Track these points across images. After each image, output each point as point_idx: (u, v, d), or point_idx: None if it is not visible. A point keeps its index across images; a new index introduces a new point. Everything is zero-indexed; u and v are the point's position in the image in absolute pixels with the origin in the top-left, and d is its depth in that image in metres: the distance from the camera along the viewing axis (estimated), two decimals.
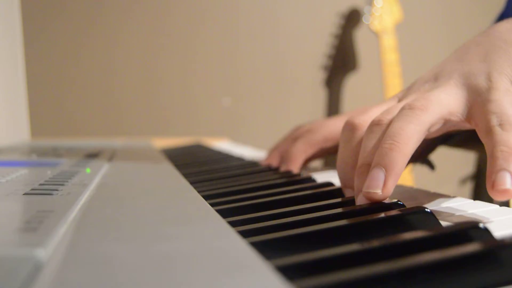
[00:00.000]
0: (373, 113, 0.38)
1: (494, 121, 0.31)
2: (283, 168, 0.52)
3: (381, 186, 0.30)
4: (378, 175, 0.31)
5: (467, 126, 0.35)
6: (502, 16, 0.71)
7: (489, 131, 0.31)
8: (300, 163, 0.51)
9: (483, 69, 0.35)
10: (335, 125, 0.51)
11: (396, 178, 0.31)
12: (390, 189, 0.31)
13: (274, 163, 0.55)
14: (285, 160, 0.52)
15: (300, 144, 0.51)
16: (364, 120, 0.37)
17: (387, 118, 0.35)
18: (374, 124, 0.35)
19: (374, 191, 0.30)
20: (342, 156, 0.38)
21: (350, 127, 0.38)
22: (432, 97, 0.34)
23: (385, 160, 0.31)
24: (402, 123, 0.32)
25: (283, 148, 0.54)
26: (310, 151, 0.51)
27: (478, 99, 0.33)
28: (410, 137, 0.32)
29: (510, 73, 0.34)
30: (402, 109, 0.34)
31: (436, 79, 0.38)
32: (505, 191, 0.28)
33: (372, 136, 0.35)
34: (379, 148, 0.32)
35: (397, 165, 0.31)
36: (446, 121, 0.34)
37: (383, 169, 0.31)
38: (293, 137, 0.55)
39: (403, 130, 0.32)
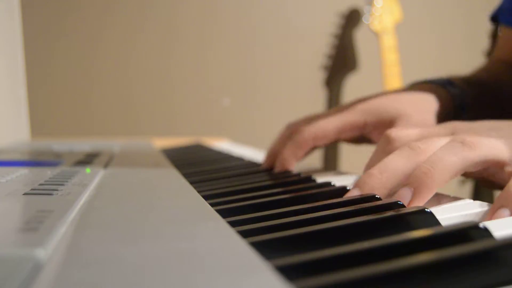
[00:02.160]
0: (413, 132, 0.39)
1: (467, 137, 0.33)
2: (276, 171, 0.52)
3: (406, 205, 0.31)
4: (405, 194, 0.32)
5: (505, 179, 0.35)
6: (499, 11, 0.71)
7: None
8: (291, 166, 0.51)
9: None
10: (326, 122, 0.51)
11: (421, 202, 0.32)
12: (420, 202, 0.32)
13: (270, 168, 0.54)
14: (277, 165, 0.52)
15: (290, 148, 0.51)
16: (401, 136, 0.38)
17: (424, 148, 0.35)
18: (410, 147, 0.36)
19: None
20: (370, 163, 0.40)
21: (386, 139, 0.39)
22: (487, 141, 0.34)
23: (416, 183, 0.32)
24: (446, 154, 0.33)
25: (275, 151, 0.54)
26: (300, 153, 0.51)
27: None
28: (448, 169, 0.32)
29: None
30: (453, 140, 0.34)
31: (500, 128, 0.38)
32: None
33: (400, 154, 0.35)
34: (416, 169, 0.33)
35: (426, 191, 0.32)
36: (490, 167, 0.35)
37: (412, 191, 0.32)
38: (284, 138, 0.54)
39: (443, 161, 0.32)
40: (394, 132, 0.39)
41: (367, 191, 0.34)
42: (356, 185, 0.36)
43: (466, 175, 0.37)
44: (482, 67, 0.71)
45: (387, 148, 0.39)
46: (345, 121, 0.51)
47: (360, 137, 0.53)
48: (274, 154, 0.54)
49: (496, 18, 0.73)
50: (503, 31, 0.73)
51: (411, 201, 0.32)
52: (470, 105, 0.55)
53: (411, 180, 0.32)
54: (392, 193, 0.34)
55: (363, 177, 0.36)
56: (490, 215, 0.30)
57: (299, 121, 0.56)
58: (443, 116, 0.52)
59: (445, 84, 0.55)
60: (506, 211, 0.30)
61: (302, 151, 0.51)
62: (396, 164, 0.35)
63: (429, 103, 0.51)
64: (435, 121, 0.51)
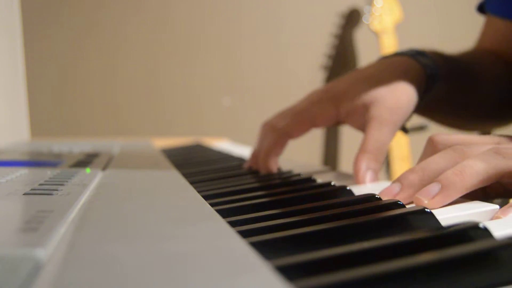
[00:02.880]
0: (458, 137, 0.39)
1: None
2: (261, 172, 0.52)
3: (429, 198, 0.33)
4: (433, 188, 0.33)
5: None
6: (486, 0, 0.71)
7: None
8: (273, 165, 0.52)
9: None
10: (299, 115, 0.52)
11: (446, 199, 0.33)
12: (436, 203, 0.32)
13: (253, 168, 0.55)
14: (260, 168, 0.52)
15: (267, 148, 0.52)
16: (445, 138, 0.39)
17: (467, 151, 0.36)
18: (453, 150, 0.37)
19: (423, 199, 0.33)
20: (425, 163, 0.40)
21: (430, 143, 0.40)
22: None
23: (445, 181, 0.33)
24: (479, 160, 0.34)
25: (256, 154, 0.55)
26: (278, 150, 0.52)
27: None
28: (477, 173, 0.33)
29: None
30: (490, 149, 0.35)
31: None
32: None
33: (443, 155, 0.36)
34: (449, 170, 0.34)
35: (453, 189, 0.33)
36: None
37: (440, 185, 0.33)
38: (262, 138, 0.55)
39: (475, 166, 0.33)
40: (437, 136, 0.40)
41: (406, 185, 0.35)
42: (397, 179, 0.36)
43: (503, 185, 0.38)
44: (463, 51, 0.71)
45: (430, 150, 0.40)
46: (317, 113, 0.51)
47: (335, 123, 0.53)
48: (254, 157, 0.54)
49: (482, 8, 0.73)
50: (488, 19, 0.73)
51: (436, 196, 0.32)
52: (442, 77, 0.54)
53: (441, 177, 0.33)
54: None
55: (405, 172, 0.36)
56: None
57: (272, 118, 0.56)
58: (416, 87, 0.51)
59: (415, 55, 0.54)
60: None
61: (280, 148, 0.51)
62: (437, 164, 0.36)
63: (401, 80, 0.51)
64: (409, 99, 0.50)
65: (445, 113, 0.65)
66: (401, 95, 0.50)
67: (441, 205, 0.33)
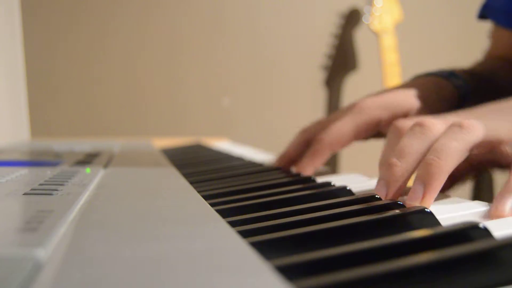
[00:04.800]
0: (417, 118, 0.40)
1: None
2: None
3: (420, 199, 0.33)
4: (418, 189, 0.33)
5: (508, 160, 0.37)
6: (485, 6, 0.71)
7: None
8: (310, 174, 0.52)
9: None
10: (342, 126, 0.51)
11: (433, 193, 0.33)
12: (428, 202, 0.33)
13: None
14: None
15: (308, 157, 0.52)
16: (408, 122, 0.40)
17: (431, 122, 0.37)
18: (418, 125, 0.37)
19: (414, 203, 0.33)
20: (384, 156, 0.41)
21: (395, 129, 0.41)
22: (484, 122, 0.36)
23: (425, 176, 0.33)
24: (447, 140, 0.34)
25: (290, 156, 0.54)
26: (318, 162, 0.52)
27: None
28: (451, 155, 0.34)
29: None
30: (452, 125, 0.36)
31: (500, 109, 0.40)
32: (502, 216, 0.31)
33: (411, 135, 0.37)
34: (422, 161, 0.34)
35: (435, 181, 0.33)
36: (493, 147, 0.37)
37: (423, 184, 0.33)
38: (300, 144, 0.54)
39: (446, 147, 0.34)
40: (400, 122, 0.41)
41: (393, 183, 0.35)
42: (380, 180, 0.36)
43: (471, 159, 0.38)
44: (478, 62, 0.72)
45: (398, 137, 0.40)
46: (361, 122, 0.51)
47: (374, 134, 0.54)
48: (288, 159, 0.54)
49: (484, 16, 0.74)
50: (494, 29, 0.73)
51: (424, 195, 0.33)
52: (471, 96, 0.56)
53: (420, 174, 0.34)
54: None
55: (383, 170, 0.36)
56: (496, 203, 0.31)
57: (313, 126, 0.55)
58: (449, 107, 0.53)
59: (448, 76, 0.56)
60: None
61: (320, 160, 0.51)
62: (411, 147, 0.36)
63: (437, 97, 0.52)
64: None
65: None
66: (436, 109, 0.51)
67: (434, 198, 0.33)
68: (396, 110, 0.50)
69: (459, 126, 0.35)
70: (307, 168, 0.51)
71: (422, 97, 0.52)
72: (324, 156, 0.51)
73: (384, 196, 0.35)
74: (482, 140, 0.35)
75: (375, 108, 0.51)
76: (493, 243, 0.21)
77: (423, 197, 0.33)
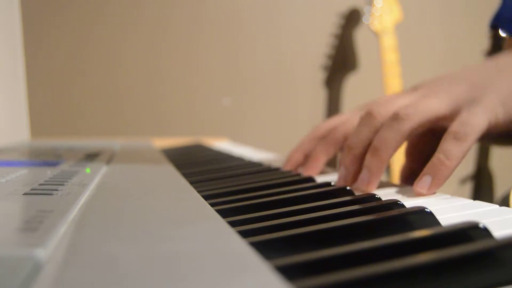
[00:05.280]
0: (392, 105, 0.44)
1: (455, 128, 0.38)
2: (304, 169, 0.52)
3: (366, 184, 0.41)
4: (364, 177, 0.41)
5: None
6: (498, 17, 0.72)
7: (445, 136, 0.39)
8: (321, 161, 0.52)
9: (482, 85, 0.41)
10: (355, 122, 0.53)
11: (377, 178, 0.41)
12: (373, 186, 0.41)
13: (297, 165, 0.55)
14: (308, 161, 0.53)
15: (321, 146, 0.52)
16: (379, 112, 0.43)
17: (376, 111, 0.43)
18: (366, 114, 0.43)
19: (362, 187, 0.41)
20: (350, 139, 0.45)
21: (367, 116, 0.44)
22: (425, 102, 0.41)
23: (369, 166, 0.41)
24: (384, 133, 0.41)
25: (307, 149, 0.55)
26: (331, 151, 0.52)
27: (464, 108, 0.40)
28: (390, 146, 0.40)
29: (503, 93, 0.40)
30: (390, 117, 0.41)
31: (461, 76, 0.43)
32: (420, 194, 0.37)
33: (362, 123, 0.43)
34: (368, 151, 0.41)
35: (377, 170, 0.40)
36: (432, 124, 0.41)
37: (369, 173, 0.41)
38: (314, 137, 0.55)
39: (384, 140, 0.40)
40: (373, 109, 0.45)
41: (350, 172, 0.43)
42: (341, 166, 0.44)
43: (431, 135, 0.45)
44: None
45: (365, 124, 0.45)
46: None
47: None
48: (304, 152, 0.54)
49: (495, 26, 0.74)
50: (508, 40, 0.74)
51: (369, 180, 0.40)
52: None
53: (366, 162, 0.41)
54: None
55: (342, 156, 0.44)
56: (416, 182, 0.37)
57: (325, 123, 0.56)
58: None
59: None
60: (428, 178, 0.37)
61: (333, 148, 0.52)
62: (359, 136, 0.43)
63: None
64: None
65: None
66: None
67: (378, 182, 0.41)
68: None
69: (395, 117, 0.40)
70: (319, 155, 0.52)
71: None
72: (338, 144, 0.53)
73: (344, 178, 0.43)
74: (421, 124, 0.40)
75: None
76: (493, 243, 0.21)
77: (368, 183, 0.40)
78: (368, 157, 0.41)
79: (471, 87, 0.41)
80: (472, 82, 0.41)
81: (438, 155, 0.38)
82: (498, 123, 0.40)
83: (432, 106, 0.41)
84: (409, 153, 0.49)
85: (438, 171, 0.37)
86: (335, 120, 0.55)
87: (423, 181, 0.37)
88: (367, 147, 0.42)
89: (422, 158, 0.47)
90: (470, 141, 0.38)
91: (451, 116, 0.41)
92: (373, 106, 0.44)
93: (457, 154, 0.38)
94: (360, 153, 0.43)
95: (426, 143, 0.48)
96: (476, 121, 0.39)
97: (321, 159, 0.52)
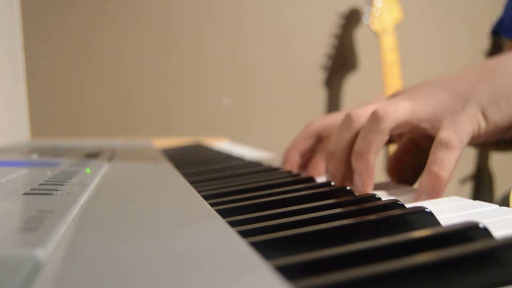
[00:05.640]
0: (371, 108, 0.43)
1: (445, 135, 0.38)
2: (309, 169, 0.53)
3: (362, 189, 0.40)
4: (357, 182, 0.41)
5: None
6: (501, 23, 0.72)
7: (436, 145, 0.38)
8: (323, 171, 0.53)
9: (467, 92, 0.41)
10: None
11: (370, 179, 0.40)
12: (368, 188, 0.40)
13: (295, 165, 0.55)
14: (309, 169, 0.53)
15: (321, 154, 0.53)
16: (358, 113, 0.43)
17: (356, 113, 0.43)
18: (346, 116, 0.43)
19: (360, 191, 0.41)
20: (331, 144, 0.45)
21: (346, 119, 0.44)
22: (403, 106, 0.41)
23: (357, 170, 0.41)
24: (366, 134, 0.40)
25: (302, 148, 0.55)
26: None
27: (447, 113, 0.40)
28: (372, 146, 0.40)
29: (484, 102, 0.40)
30: (369, 117, 0.41)
31: (437, 83, 0.43)
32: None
33: (342, 127, 0.43)
34: (352, 156, 0.41)
35: (366, 172, 0.40)
36: (413, 127, 0.41)
37: (360, 176, 0.40)
38: (308, 136, 0.55)
39: (365, 141, 0.40)
40: (353, 112, 0.45)
41: (332, 175, 0.44)
42: (327, 174, 0.44)
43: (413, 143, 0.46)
44: None
45: (345, 127, 0.45)
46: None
47: None
48: (299, 151, 0.54)
49: (497, 31, 0.75)
50: (507, 44, 0.75)
51: (363, 183, 0.40)
52: None
53: (354, 166, 0.41)
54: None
55: (326, 161, 0.44)
56: (414, 200, 0.37)
57: (319, 120, 0.57)
58: None
59: None
60: (425, 197, 0.36)
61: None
62: (340, 139, 0.43)
63: None
64: None
65: None
66: None
67: (372, 183, 0.41)
68: None
69: (374, 117, 0.40)
70: (320, 163, 0.53)
71: None
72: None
73: (332, 179, 0.43)
74: (400, 123, 0.40)
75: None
76: (493, 243, 0.21)
77: (363, 185, 0.40)
78: (353, 162, 0.41)
79: (453, 94, 0.41)
80: (454, 90, 0.41)
81: (432, 167, 0.37)
82: (480, 132, 0.40)
83: (411, 108, 0.40)
84: (394, 172, 0.48)
85: (434, 187, 0.37)
86: (326, 119, 0.55)
87: (421, 201, 0.36)
88: (350, 149, 0.42)
89: (409, 170, 0.47)
90: (460, 148, 0.38)
91: (430, 122, 0.40)
92: (352, 109, 0.44)
93: (450, 162, 0.37)
94: (343, 157, 0.43)
95: (410, 157, 0.47)
96: (462, 128, 0.39)
97: (321, 166, 0.53)
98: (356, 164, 0.40)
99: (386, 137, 0.40)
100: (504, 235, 0.23)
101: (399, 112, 0.40)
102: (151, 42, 1.75)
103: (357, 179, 0.40)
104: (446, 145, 0.38)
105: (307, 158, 0.54)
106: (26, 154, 0.65)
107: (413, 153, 0.47)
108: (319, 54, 1.81)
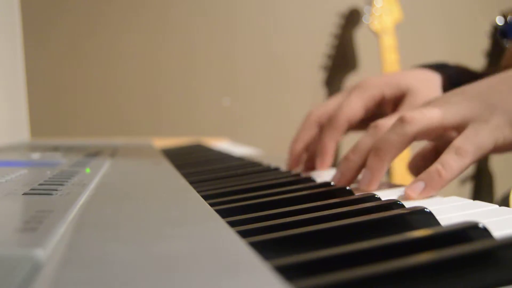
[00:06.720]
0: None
1: (458, 142, 0.38)
2: (317, 165, 0.53)
3: (367, 184, 0.41)
4: (366, 177, 0.41)
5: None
6: (508, 27, 0.75)
7: (448, 149, 0.38)
8: (332, 150, 0.53)
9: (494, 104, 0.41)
10: (352, 102, 0.54)
11: (378, 178, 0.41)
12: (373, 186, 0.41)
13: (301, 156, 0.55)
14: (318, 155, 0.53)
15: (328, 133, 0.53)
16: (384, 125, 0.44)
17: (382, 123, 0.44)
18: (373, 126, 0.44)
19: (362, 187, 0.41)
20: (352, 151, 0.45)
21: (373, 128, 0.45)
22: (429, 111, 0.41)
23: (370, 166, 0.41)
24: (388, 134, 0.41)
25: (307, 138, 0.55)
26: (338, 136, 0.54)
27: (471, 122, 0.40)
28: (392, 147, 0.40)
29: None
30: (396, 121, 0.41)
31: (463, 92, 0.43)
32: (410, 197, 0.37)
33: (367, 134, 0.44)
34: (370, 151, 0.42)
35: (378, 170, 0.41)
36: (438, 133, 0.42)
37: (370, 173, 0.41)
38: (312, 124, 0.55)
39: (386, 141, 0.40)
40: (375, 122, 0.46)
41: (344, 172, 0.43)
42: (337, 170, 0.44)
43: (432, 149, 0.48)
44: (490, 67, 0.76)
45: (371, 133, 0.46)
46: (367, 97, 0.54)
47: (375, 116, 0.55)
48: (302, 143, 0.55)
49: (504, 34, 0.77)
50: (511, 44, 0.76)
51: (370, 180, 0.41)
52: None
53: (368, 163, 0.41)
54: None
55: (341, 162, 0.44)
56: (409, 184, 0.37)
57: (319, 109, 0.57)
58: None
59: (440, 67, 0.60)
60: (421, 184, 0.37)
61: (340, 133, 0.54)
62: (363, 145, 0.43)
63: (434, 81, 0.58)
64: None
65: None
66: (433, 92, 0.55)
67: (378, 182, 0.41)
68: (397, 88, 0.55)
69: (400, 120, 0.40)
70: (328, 144, 0.53)
71: (421, 80, 0.56)
72: (343, 129, 0.54)
73: (337, 182, 0.43)
74: (424, 130, 0.40)
75: (378, 85, 0.55)
76: (493, 243, 0.21)
77: (369, 182, 0.41)
78: (370, 157, 0.41)
79: (482, 104, 0.40)
80: (483, 99, 0.41)
81: (436, 165, 0.38)
82: (505, 143, 0.40)
83: (438, 115, 0.41)
84: (414, 171, 0.50)
85: (433, 180, 0.37)
86: (329, 105, 0.56)
87: (416, 186, 0.37)
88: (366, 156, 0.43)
89: None
90: (471, 158, 0.38)
91: (457, 130, 0.41)
92: (379, 120, 0.44)
93: (455, 168, 0.38)
94: (359, 164, 0.43)
95: (434, 160, 0.48)
96: (481, 139, 0.39)
97: (330, 150, 0.53)
98: (371, 159, 0.41)
99: (408, 141, 0.40)
100: (504, 235, 0.23)
101: (426, 118, 0.40)
102: (151, 43, 1.75)
103: (366, 174, 0.41)
104: (458, 151, 0.38)
105: (313, 149, 0.55)
106: (26, 154, 0.65)
107: (434, 158, 0.47)
108: (319, 54, 1.81)
